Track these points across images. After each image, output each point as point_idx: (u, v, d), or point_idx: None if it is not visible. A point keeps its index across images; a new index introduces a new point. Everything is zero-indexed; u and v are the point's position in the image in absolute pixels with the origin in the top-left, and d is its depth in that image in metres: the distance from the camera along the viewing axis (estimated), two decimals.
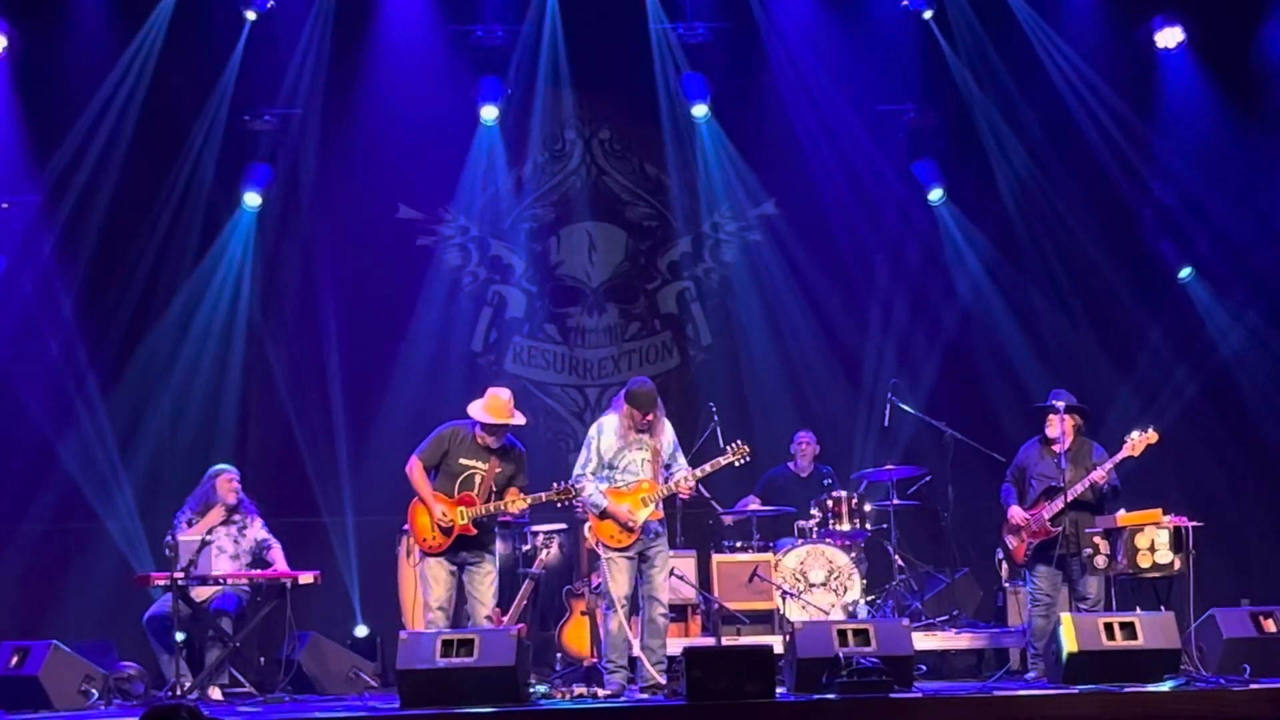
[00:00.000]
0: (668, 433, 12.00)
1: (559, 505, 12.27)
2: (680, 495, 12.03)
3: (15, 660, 12.11)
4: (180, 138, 15.51)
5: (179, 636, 12.20)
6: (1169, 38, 15.69)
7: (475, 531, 11.88)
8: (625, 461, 11.82)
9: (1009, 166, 16.11)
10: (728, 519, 14.68)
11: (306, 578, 12.61)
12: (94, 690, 12.00)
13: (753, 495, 14.75)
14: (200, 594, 12.67)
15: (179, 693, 11.89)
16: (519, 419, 12.08)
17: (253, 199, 15.71)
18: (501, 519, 13.41)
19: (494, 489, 11.94)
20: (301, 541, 14.06)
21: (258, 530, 13.04)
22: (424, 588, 11.98)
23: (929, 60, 16.00)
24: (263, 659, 13.35)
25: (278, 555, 12.93)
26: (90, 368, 15.22)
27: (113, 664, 12.69)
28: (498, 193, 16.46)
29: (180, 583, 12.17)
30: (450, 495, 11.90)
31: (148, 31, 15.24)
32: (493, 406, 11.99)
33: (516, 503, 11.98)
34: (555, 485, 12.02)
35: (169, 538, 12.56)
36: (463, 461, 11.97)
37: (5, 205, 15.32)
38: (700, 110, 16.08)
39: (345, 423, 15.55)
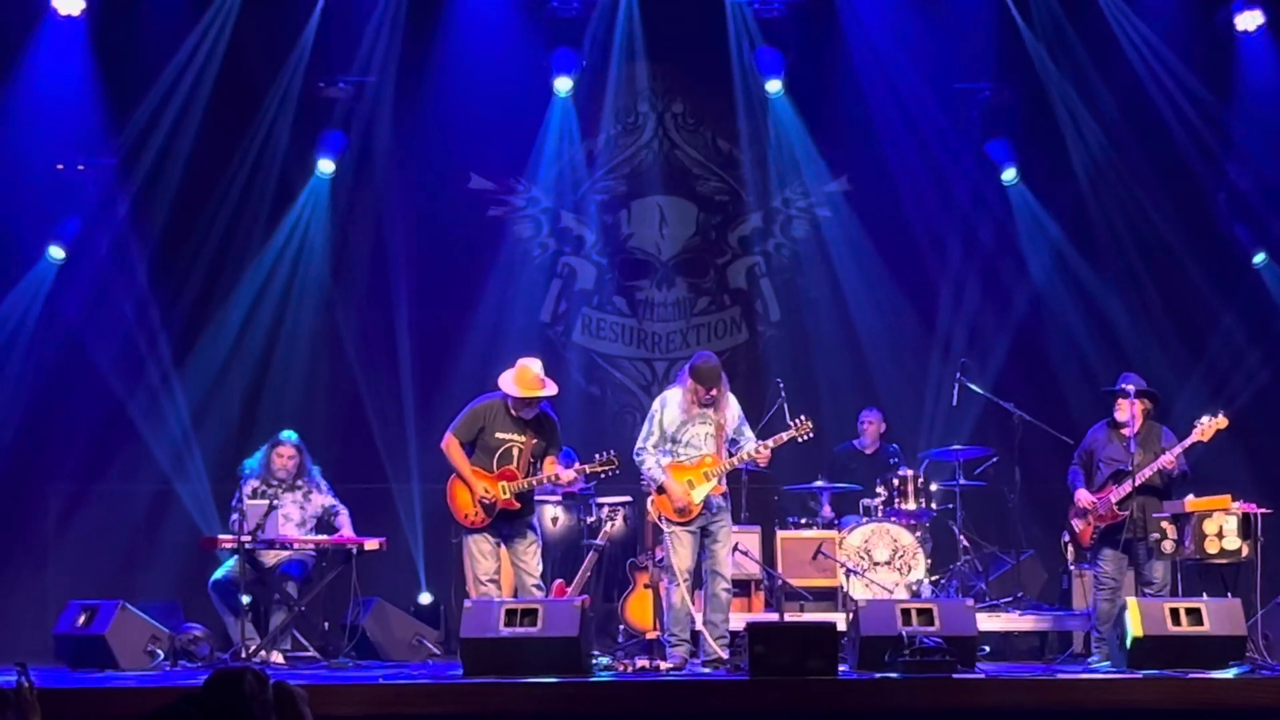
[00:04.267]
0: (733, 407, 11.98)
1: (604, 476, 12.29)
2: (759, 463, 12.04)
3: (83, 619, 12.23)
4: (255, 103, 15.57)
5: (245, 600, 12.29)
6: (1249, 20, 15.51)
7: (518, 506, 11.90)
8: (688, 436, 11.81)
9: (1084, 147, 15.98)
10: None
11: (372, 544, 12.64)
12: (160, 651, 12.11)
13: (821, 477, 14.73)
14: (267, 558, 12.76)
15: (244, 655, 11.99)
16: (551, 389, 12.03)
17: (326, 166, 15.77)
18: (565, 491, 13.49)
19: (532, 461, 11.95)
20: (368, 508, 14.09)
21: (324, 497, 13.10)
22: (470, 563, 12.01)
23: (1005, 39, 15.88)
24: (327, 624, 13.41)
25: (345, 521, 12.99)
26: (163, 331, 15.33)
27: (179, 625, 12.77)
28: (570, 164, 16.45)
29: (247, 546, 12.26)
30: (489, 470, 11.89)
31: None
32: (523, 379, 11.94)
33: (561, 476, 11.99)
34: (598, 456, 12.05)
35: (235, 502, 12.69)
36: (499, 435, 11.94)
37: (81, 168, 15.43)
38: (774, 85, 16.02)
39: (413, 390, 15.60)
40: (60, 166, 15.41)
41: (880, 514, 14.18)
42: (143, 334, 15.29)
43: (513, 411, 11.94)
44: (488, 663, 10.78)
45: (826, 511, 14.58)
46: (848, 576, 13.71)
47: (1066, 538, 13.20)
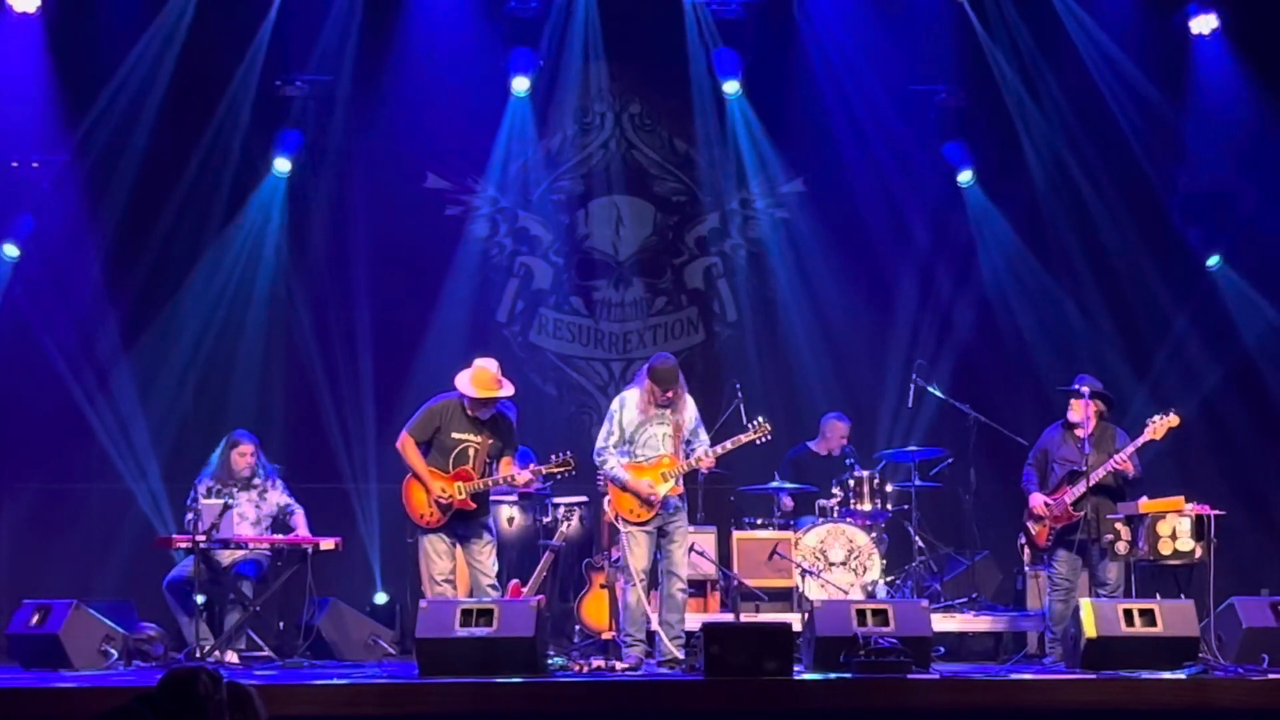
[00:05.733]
0: (690, 409, 12.00)
1: (560, 476, 12.29)
2: (701, 470, 12.09)
3: (36, 618, 12.17)
4: (212, 101, 15.50)
5: (199, 599, 12.24)
6: (1203, 24, 15.59)
7: (474, 506, 11.90)
8: (646, 436, 11.84)
9: (1039, 150, 16.07)
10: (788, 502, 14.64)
11: (328, 544, 12.62)
12: (113, 650, 12.04)
13: (777, 478, 14.75)
14: (222, 558, 12.72)
15: (199, 655, 11.95)
16: (507, 389, 12.02)
17: (282, 165, 15.73)
18: (521, 491, 13.48)
19: (488, 461, 11.95)
20: (324, 508, 14.06)
21: (280, 495, 13.07)
22: (425, 563, 11.98)
23: (962, 41, 15.94)
24: (282, 624, 13.37)
25: (300, 520, 12.97)
26: (117, 329, 15.26)
27: (133, 625, 12.71)
28: (527, 164, 16.44)
29: (202, 546, 12.22)
30: (445, 470, 11.88)
31: None
32: (479, 379, 11.93)
33: (517, 476, 12.00)
34: (555, 456, 12.06)
35: (190, 501, 12.65)
36: (455, 435, 11.93)
37: (35, 164, 15.34)
38: (731, 86, 16.04)
39: (370, 390, 15.57)
40: (15, 164, 15.31)
41: (836, 515, 14.19)
42: (97, 332, 15.21)
43: (469, 411, 11.94)
44: (443, 663, 10.77)
45: (787, 503, 14.60)
46: (803, 577, 13.73)
47: (1023, 540, 13.24)
